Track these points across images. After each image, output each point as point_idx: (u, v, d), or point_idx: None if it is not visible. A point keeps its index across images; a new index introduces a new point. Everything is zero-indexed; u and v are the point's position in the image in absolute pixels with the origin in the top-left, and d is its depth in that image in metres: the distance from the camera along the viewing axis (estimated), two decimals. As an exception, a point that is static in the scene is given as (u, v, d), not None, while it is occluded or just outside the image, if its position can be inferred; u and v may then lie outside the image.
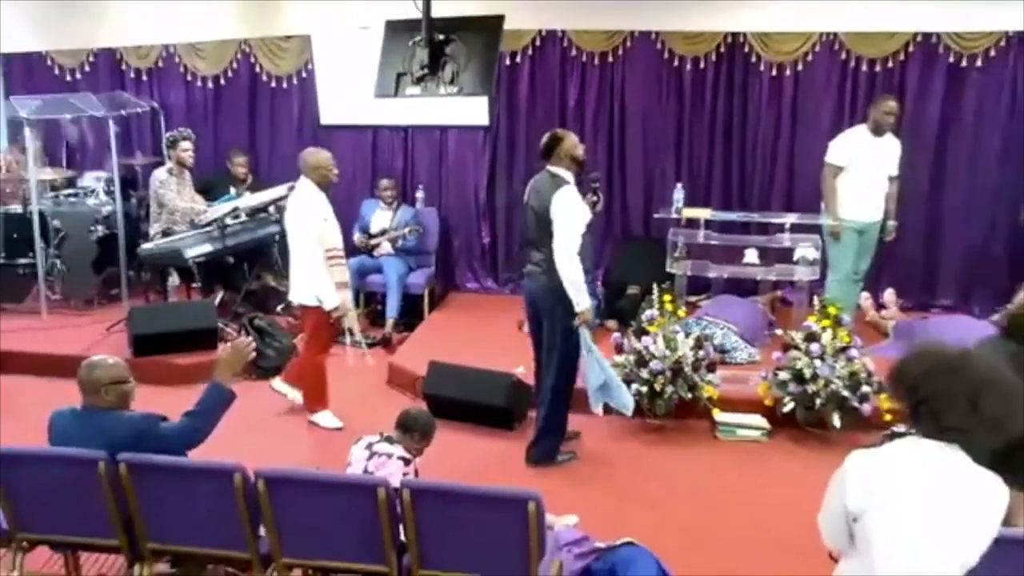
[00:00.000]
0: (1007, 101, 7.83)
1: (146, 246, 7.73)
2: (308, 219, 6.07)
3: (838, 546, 2.66)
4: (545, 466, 5.72)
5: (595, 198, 5.74)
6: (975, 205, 8.02)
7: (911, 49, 7.90)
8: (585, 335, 5.49)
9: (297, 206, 6.20)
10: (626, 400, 5.68)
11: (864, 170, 7.13)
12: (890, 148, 7.25)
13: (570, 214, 5.39)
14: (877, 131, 7.13)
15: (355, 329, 6.40)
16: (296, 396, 6.53)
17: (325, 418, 6.36)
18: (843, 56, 8.03)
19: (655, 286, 6.65)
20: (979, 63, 7.80)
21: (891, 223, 7.41)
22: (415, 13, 5.98)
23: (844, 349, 6.13)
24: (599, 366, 5.58)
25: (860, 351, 6.16)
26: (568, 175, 5.50)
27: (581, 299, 5.39)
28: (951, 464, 2.49)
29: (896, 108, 7.14)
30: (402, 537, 3.82)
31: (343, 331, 6.31)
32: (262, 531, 3.85)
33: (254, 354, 4.09)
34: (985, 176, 7.92)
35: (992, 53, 7.75)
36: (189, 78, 9.17)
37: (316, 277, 6.06)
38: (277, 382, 6.58)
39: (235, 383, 4.04)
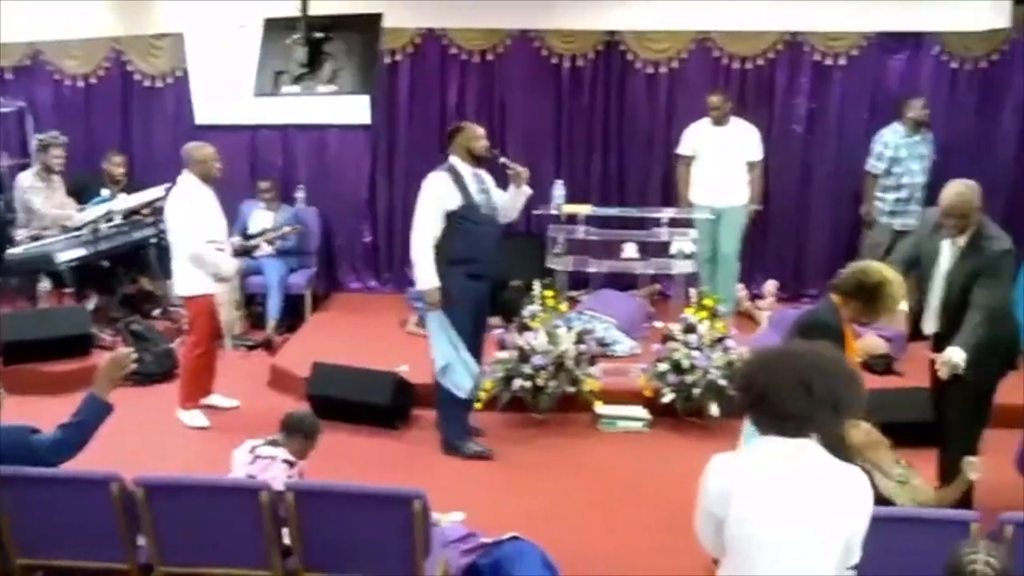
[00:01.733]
0: (868, 98, 8.18)
1: (13, 251, 7.44)
2: (190, 212, 6.06)
3: (714, 548, 2.69)
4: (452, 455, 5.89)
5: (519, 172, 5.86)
6: (840, 198, 8.35)
7: (779, 48, 8.20)
8: (432, 317, 5.71)
9: (179, 199, 6.18)
10: (459, 381, 5.77)
11: (711, 158, 7.65)
12: (739, 135, 7.70)
13: (424, 199, 5.67)
14: (715, 122, 7.66)
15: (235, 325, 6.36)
16: (229, 402, 6.54)
17: (191, 416, 6.30)
18: (716, 54, 8.27)
19: (536, 282, 6.74)
20: (842, 62, 8.12)
21: (751, 207, 7.83)
22: (293, 11, 5.94)
23: (720, 340, 6.32)
24: (446, 348, 5.72)
25: (735, 341, 6.35)
26: (461, 165, 5.66)
27: (422, 278, 5.64)
28: (809, 459, 2.55)
29: (717, 102, 7.63)
30: (286, 540, 3.80)
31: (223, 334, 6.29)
32: (141, 540, 3.79)
33: (134, 365, 4.01)
34: (849, 170, 8.25)
35: (854, 52, 8.09)
36: (58, 77, 8.86)
37: (192, 267, 6.11)
38: (208, 399, 6.52)
39: (113, 393, 3.95)
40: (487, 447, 5.92)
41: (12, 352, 6.80)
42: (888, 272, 4.18)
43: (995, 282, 4.65)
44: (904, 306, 4.35)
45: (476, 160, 5.73)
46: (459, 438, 5.90)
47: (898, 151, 7.61)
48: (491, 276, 5.91)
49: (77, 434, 3.82)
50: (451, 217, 5.62)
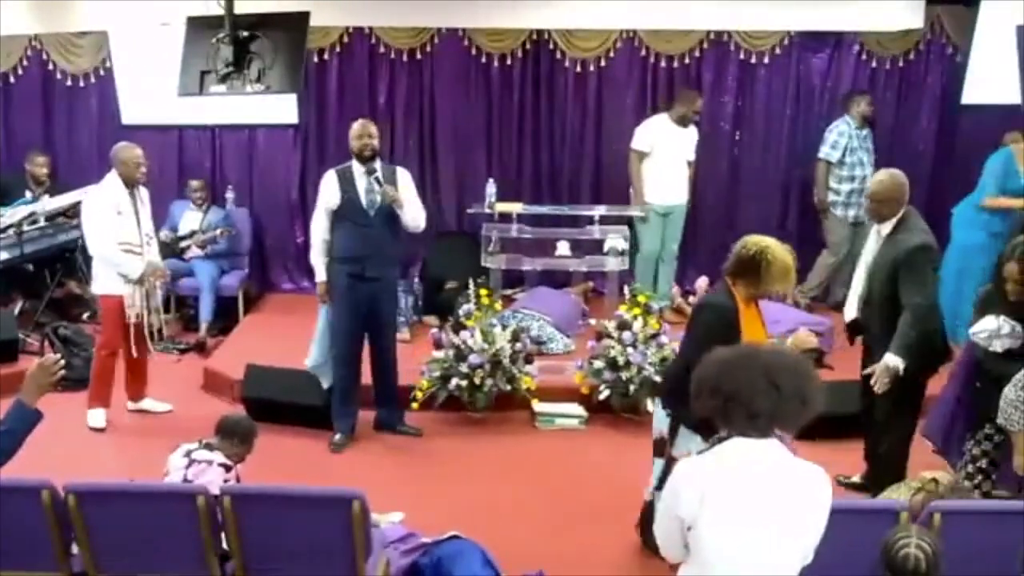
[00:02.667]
0: (792, 93, 8.35)
1: (-68, 255, 7.28)
2: (100, 212, 6.07)
3: (676, 555, 2.72)
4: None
5: (377, 187, 5.82)
6: (768, 192, 8.51)
7: (705, 46, 8.31)
8: (321, 312, 6.04)
9: (92, 198, 6.24)
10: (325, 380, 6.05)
11: (666, 157, 7.71)
12: (689, 136, 7.84)
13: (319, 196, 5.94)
14: (682, 122, 7.71)
15: (153, 325, 6.27)
16: (163, 406, 6.49)
17: (93, 415, 6.25)
18: (643, 53, 8.35)
19: (471, 280, 6.75)
20: (766, 60, 8.28)
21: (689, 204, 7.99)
22: (217, 9, 5.86)
23: (654, 336, 6.40)
24: (324, 345, 6.01)
25: (669, 337, 6.43)
26: (355, 164, 5.82)
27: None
28: (777, 460, 2.60)
29: (701, 106, 7.79)
30: (224, 545, 3.77)
31: (150, 336, 6.24)
32: (75, 549, 3.72)
33: (63, 372, 3.94)
34: (776, 164, 8.44)
35: (777, 51, 8.25)
36: (-26, 75, 8.64)
37: (104, 266, 6.15)
38: (141, 403, 6.47)
39: (42, 399, 3.87)
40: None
41: (-65, 359, 6.65)
42: (766, 241, 4.23)
43: (917, 279, 4.75)
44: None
45: (358, 158, 5.80)
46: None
47: (851, 141, 7.79)
48: (376, 277, 5.85)
49: (5, 442, 3.72)
50: (335, 215, 5.83)
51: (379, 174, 5.79)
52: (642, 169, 7.74)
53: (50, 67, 8.57)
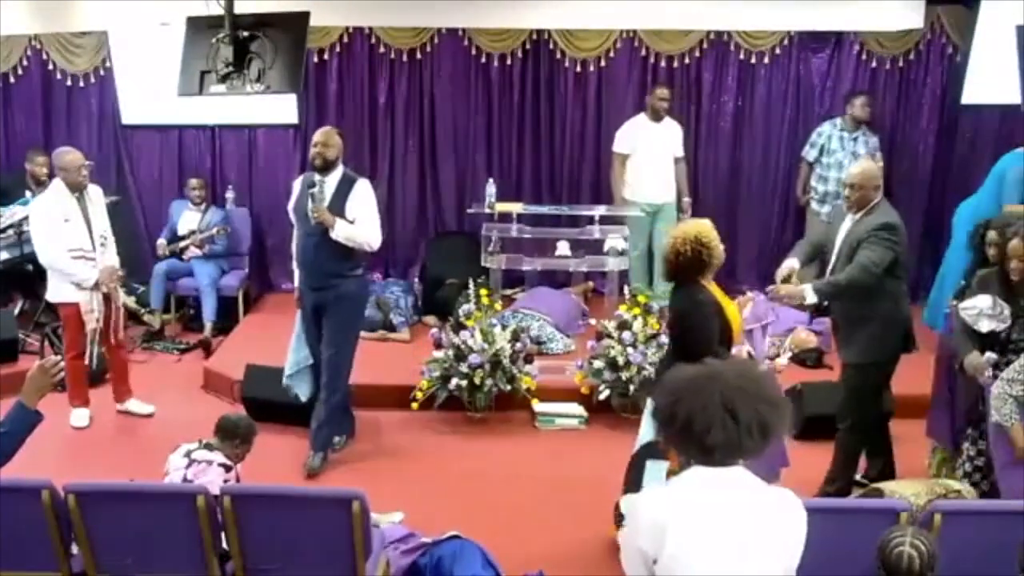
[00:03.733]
0: (792, 93, 8.35)
1: (-68, 254, 7.28)
2: (45, 220, 6.09)
3: None
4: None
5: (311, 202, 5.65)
6: (768, 191, 8.51)
7: (705, 46, 8.31)
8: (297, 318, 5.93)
9: (35, 206, 6.30)
10: (300, 388, 5.97)
11: (649, 154, 7.78)
12: (671, 132, 7.89)
13: None
14: (655, 117, 7.78)
15: (119, 323, 6.31)
16: (147, 408, 6.48)
17: (75, 415, 6.31)
18: (643, 53, 8.35)
19: (471, 280, 6.75)
20: (766, 60, 8.28)
21: (685, 200, 7.96)
22: (217, 9, 5.86)
23: (654, 336, 6.39)
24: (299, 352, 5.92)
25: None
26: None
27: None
28: (742, 488, 2.44)
29: (668, 94, 7.81)
30: (224, 545, 3.77)
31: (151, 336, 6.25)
32: (75, 549, 3.72)
33: (62, 374, 3.94)
34: (776, 163, 8.44)
35: (777, 51, 8.25)
36: (-26, 75, 8.64)
37: (57, 275, 6.14)
38: (125, 404, 6.49)
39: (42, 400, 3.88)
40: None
41: (-66, 359, 6.65)
42: (679, 229, 4.47)
43: (873, 248, 4.83)
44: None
45: (313, 167, 5.66)
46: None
47: (830, 142, 7.79)
48: (320, 287, 5.66)
49: (5, 443, 3.72)
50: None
51: (316, 189, 5.56)
52: (627, 169, 7.80)
53: (50, 67, 8.57)
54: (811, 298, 4.84)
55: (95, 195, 6.27)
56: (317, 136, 5.67)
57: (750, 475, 2.47)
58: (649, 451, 4.46)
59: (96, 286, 6.12)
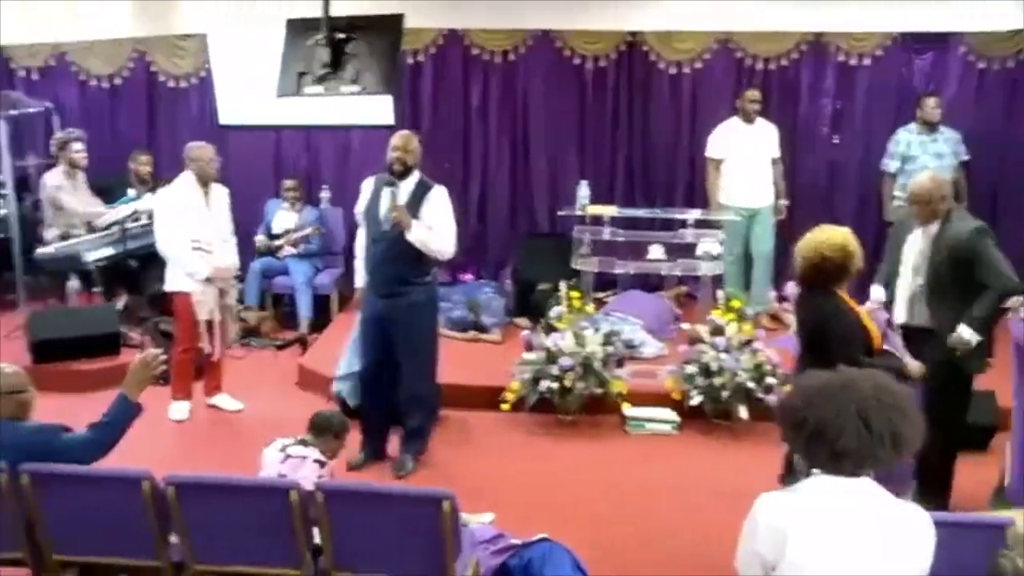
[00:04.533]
0: (894, 97, 8.13)
1: (43, 250, 7.51)
2: (169, 210, 6.22)
3: None
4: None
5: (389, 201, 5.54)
6: (866, 198, 8.29)
7: (803, 48, 8.16)
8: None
9: (163, 197, 6.37)
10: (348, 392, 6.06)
11: (743, 158, 7.65)
12: (766, 133, 7.75)
13: None
14: (747, 119, 7.66)
15: (215, 325, 6.37)
16: (235, 404, 6.57)
17: (174, 408, 6.40)
18: (739, 55, 8.24)
19: (563, 283, 6.72)
20: (867, 61, 8.09)
21: (781, 202, 7.85)
22: (315, 12, 5.94)
23: (748, 342, 6.28)
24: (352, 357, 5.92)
25: (764, 343, 6.31)
26: (389, 175, 5.54)
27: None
28: (869, 499, 2.39)
29: (759, 96, 7.69)
30: (317, 540, 3.80)
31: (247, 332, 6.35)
32: (173, 538, 3.79)
33: (163, 367, 4.03)
34: (874, 170, 8.18)
35: (879, 53, 8.05)
36: (83, 78, 8.92)
37: (175, 264, 6.25)
38: (215, 399, 6.59)
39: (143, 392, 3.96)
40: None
41: (43, 351, 6.86)
42: (822, 235, 4.33)
43: (989, 258, 4.62)
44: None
45: (389, 170, 5.53)
46: None
47: (910, 149, 7.56)
48: (387, 294, 5.50)
49: (107, 434, 3.83)
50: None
51: (396, 189, 5.45)
52: (721, 173, 7.68)
53: (153, 70, 8.81)
54: (974, 337, 4.59)
55: (220, 193, 6.39)
56: (396, 140, 5.54)
57: (879, 487, 2.41)
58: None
59: (209, 280, 6.24)
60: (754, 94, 7.69)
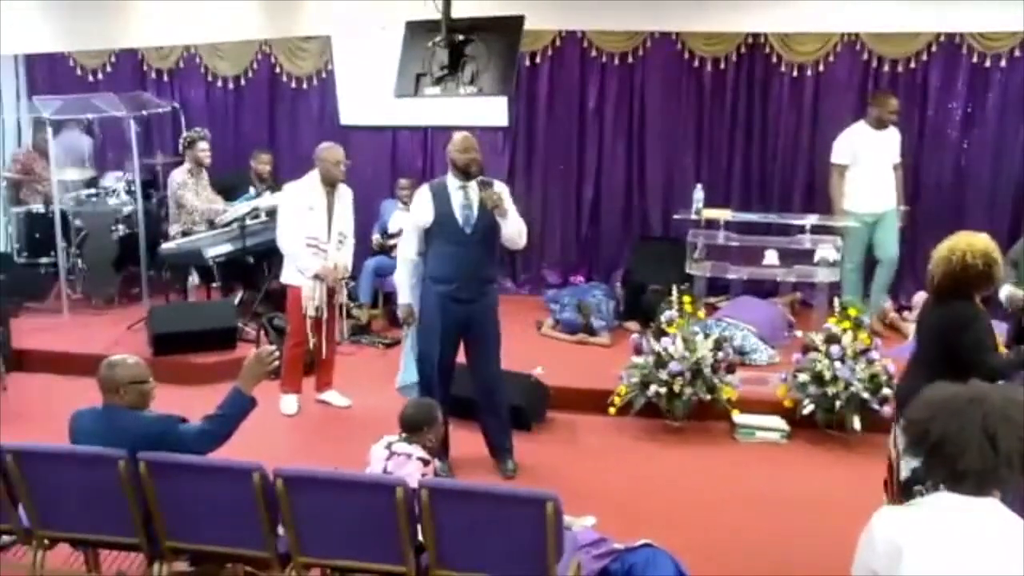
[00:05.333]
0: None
1: (167, 245, 7.78)
2: (290, 207, 6.35)
3: None
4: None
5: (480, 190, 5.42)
6: (999, 203, 7.99)
7: (934, 49, 7.89)
8: (409, 333, 5.73)
9: (286, 193, 6.52)
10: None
11: (870, 164, 7.40)
12: (891, 138, 7.50)
13: (409, 214, 5.73)
14: (880, 126, 7.39)
15: (322, 322, 6.42)
16: (344, 400, 6.67)
17: (285, 402, 6.52)
18: (864, 56, 8.02)
19: (674, 287, 6.63)
20: (1003, 63, 7.76)
21: (902, 208, 7.61)
22: (435, 14, 5.99)
23: (864, 351, 6.10)
24: (411, 367, 5.76)
25: (880, 353, 6.12)
26: (450, 178, 5.44)
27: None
28: (992, 519, 2.25)
29: (898, 106, 7.40)
30: (420, 537, 3.82)
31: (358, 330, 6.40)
32: (280, 530, 3.86)
33: (276, 363, 4.11)
34: (1008, 174, 7.89)
35: (1016, 52, 7.72)
36: (210, 78, 9.22)
37: (290, 259, 6.39)
38: (324, 395, 6.71)
39: (256, 387, 4.05)
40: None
41: (162, 343, 7.09)
42: (963, 242, 4.14)
43: None
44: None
45: (462, 173, 5.41)
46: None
47: None
48: (470, 299, 5.43)
49: (221, 426, 3.94)
50: (427, 234, 5.47)
51: (469, 189, 5.38)
52: (846, 179, 7.42)
53: (277, 70, 9.02)
54: None
55: (345, 194, 6.47)
56: (464, 143, 5.43)
57: (1004, 508, 2.27)
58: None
59: (317, 277, 6.35)
60: (894, 104, 7.39)
